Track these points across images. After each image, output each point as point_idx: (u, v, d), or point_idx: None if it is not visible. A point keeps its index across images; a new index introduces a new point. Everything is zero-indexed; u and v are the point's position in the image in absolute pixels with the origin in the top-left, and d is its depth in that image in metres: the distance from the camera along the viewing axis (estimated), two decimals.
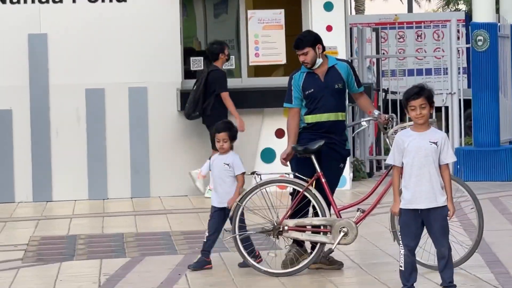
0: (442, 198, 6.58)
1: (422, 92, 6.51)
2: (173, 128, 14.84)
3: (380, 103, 18.15)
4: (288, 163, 8.68)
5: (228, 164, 8.21)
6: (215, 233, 7.98)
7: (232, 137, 7.96)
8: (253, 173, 8.72)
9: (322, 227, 8.55)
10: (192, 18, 16.26)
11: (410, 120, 7.03)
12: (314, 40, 8.69)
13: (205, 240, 8.06)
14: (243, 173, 8.36)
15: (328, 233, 8.53)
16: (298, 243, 8.52)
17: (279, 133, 14.67)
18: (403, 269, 6.65)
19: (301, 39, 8.84)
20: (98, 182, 14.98)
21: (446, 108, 17.03)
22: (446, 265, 6.75)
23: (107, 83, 14.61)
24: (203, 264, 8.10)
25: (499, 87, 16.44)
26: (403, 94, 6.93)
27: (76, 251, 10.12)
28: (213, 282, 8.07)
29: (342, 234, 8.38)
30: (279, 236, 8.40)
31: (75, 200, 14.57)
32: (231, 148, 8.16)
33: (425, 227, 6.63)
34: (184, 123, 14.83)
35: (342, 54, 14.85)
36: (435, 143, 6.55)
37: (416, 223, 6.70)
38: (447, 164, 6.58)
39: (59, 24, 14.74)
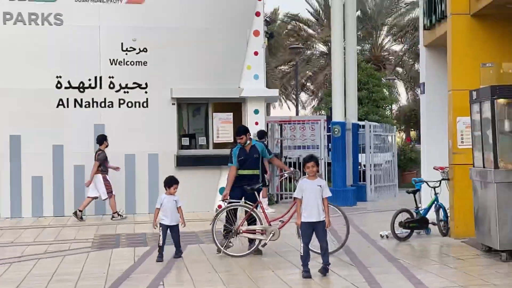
0: (323, 215, 10.05)
1: (312, 158, 10.36)
2: (171, 172, 15.73)
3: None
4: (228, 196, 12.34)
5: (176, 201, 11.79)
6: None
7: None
8: (223, 200, 13.02)
9: (260, 231, 12.00)
10: (181, 115, 20.14)
11: (304, 174, 10.58)
12: (245, 130, 12.72)
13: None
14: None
15: (264, 234, 11.91)
16: (249, 239, 12.19)
17: None
18: (302, 254, 10.06)
19: (239, 130, 12.87)
20: (130, 203, 18.97)
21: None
22: (325, 253, 10.11)
23: (137, 151, 19.13)
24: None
25: (346, 156, 21.78)
26: (302, 159, 10.61)
27: (120, 243, 13.81)
28: (197, 258, 11.74)
29: (271, 235, 11.82)
30: (237, 235, 12.15)
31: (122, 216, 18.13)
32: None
33: (314, 231, 10.08)
34: (177, 172, 17.64)
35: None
36: (320, 186, 10.09)
37: (309, 229, 10.06)
38: (326, 197, 10.18)
39: None
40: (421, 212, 13.96)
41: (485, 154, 11.42)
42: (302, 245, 10.13)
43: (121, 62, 19.41)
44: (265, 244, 11.98)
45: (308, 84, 53.26)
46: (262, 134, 15.78)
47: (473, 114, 11.96)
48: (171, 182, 11.64)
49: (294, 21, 52.58)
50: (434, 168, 14.67)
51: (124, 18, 19.36)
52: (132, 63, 19.48)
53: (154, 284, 9.94)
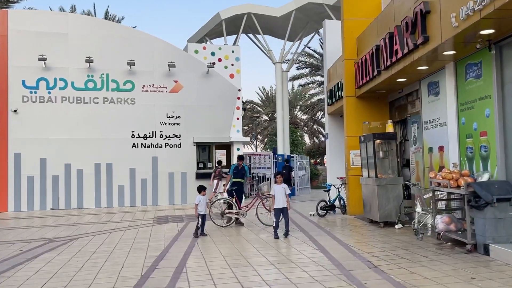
0: (286, 204, 9.68)
1: (280, 173, 10.17)
2: (193, 182, 18.15)
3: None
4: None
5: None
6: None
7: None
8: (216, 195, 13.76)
9: (235, 212, 11.62)
10: (198, 151, 19.26)
11: (276, 182, 9.82)
12: (242, 157, 12.73)
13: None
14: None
15: (238, 214, 11.55)
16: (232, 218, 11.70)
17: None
18: (274, 226, 9.69)
19: (240, 156, 12.75)
20: (171, 198, 18.72)
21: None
22: (287, 224, 9.71)
23: (175, 171, 18.75)
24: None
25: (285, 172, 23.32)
26: (274, 174, 11.51)
27: (168, 220, 13.50)
28: (210, 229, 11.55)
29: (241, 215, 11.54)
30: (223, 215, 11.65)
31: (164, 205, 18.34)
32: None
33: (281, 213, 9.69)
34: (197, 181, 17.45)
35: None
36: (284, 188, 9.74)
37: (279, 211, 9.68)
38: (287, 194, 9.77)
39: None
40: (331, 201, 13.46)
41: (369, 170, 11.00)
42: (274, 220, 9.82)
43: (167, 124, 19.12)
44: (241, 222, 11.63)
45: (258, 136, 53.12)
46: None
47: (362, 148, 11.56)
48: (201, 189, 10.69)
49: (250, 103, 52.44)
50: (337, 178, 14.39)
51: (167, 100, 19.10)
52: (172, 124, 19.17)
53: (192, 243, 9.42)
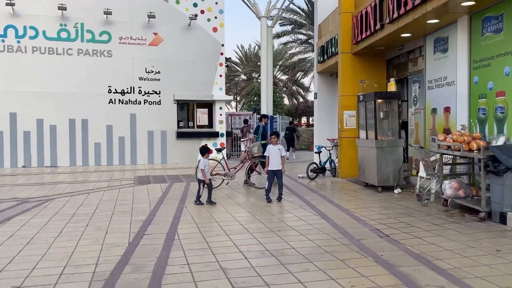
0: (281, 166, 8.97)
1: (275, 133, 9.30)
2: (173, 141, 17.95)
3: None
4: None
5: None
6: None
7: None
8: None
9: (225, 174, 10.93)
10: (178, 109, 18.36)
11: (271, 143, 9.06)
12: (265, 116, 12.48)
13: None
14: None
15: (228, 176, 10.85)
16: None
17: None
18: (266, 188, 8.98)
19: (262, 116, 12.44)
20: (151, 157, 17.89)
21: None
22: (280, 188, 9.06)
23: (154, 129, 17.90)
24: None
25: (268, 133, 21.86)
26: (270, 134, 9.32)
27: (150, 181, 12.76)
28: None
29: (230, 177, 10.86)
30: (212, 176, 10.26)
31: (144, 164, 17.58)
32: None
33: (275, 175, 8.97)
34: (177, 141, 18.05)
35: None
36: (279, 149, 8.99)
37: (272, 174, 8.96)
38: (283, 155, 9.02)
39: None
40: (322, 163, 12.94)
41: (368, 131, 10.41)
42: (267, 183, 9.13)
43: (146, 79, 18.16)
44: (228, 181, 11.04)
45: (236, 96, 52.10)
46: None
47: (360, 108, 10.92)
48: (205, 151, 8.92)
49: (228, 62, 51.17)
50: (327, 139, 13.83)
51: (147, 54, 18.10)
52: (151, 79, 18.20)
53: (180, 207, 8.75)
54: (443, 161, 8.20)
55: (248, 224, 7.08)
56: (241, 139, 16.07)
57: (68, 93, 17.16)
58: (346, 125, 12.34)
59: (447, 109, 9.26)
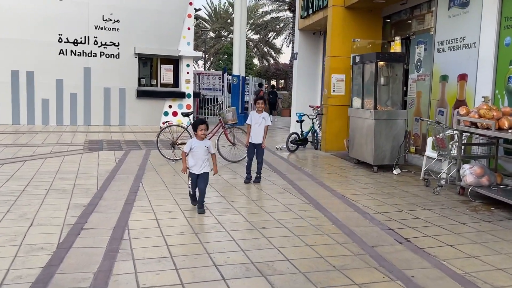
0: (262, 139, 7.18)
1: (261, 98, 7.43)
2: (133, 101, 16.21)
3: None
4: None
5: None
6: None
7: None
8: (164, 122, 11.47)
9: None
10: (140, 64, 16.51)
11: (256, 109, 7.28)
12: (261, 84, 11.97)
13: None
14: None
15: None
16: None
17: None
18: (247, 165, 7.32)
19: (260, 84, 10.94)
20: (107, 118, 16.06)
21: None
22: (259, 167, 7.31)
23: (112, 86, 16.00)
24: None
25: (239, 95, 18.15)
26: (254, 99, 7.57)
27: (103, 147, 10.91)
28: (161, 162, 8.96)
29: None
30: (174, 146, 9.00)
31: (98, 125, 15.82)
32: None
33: (255, 151, 7.25)
34: (137, 101, 16.32)
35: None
36: (263, 118, 7.17)
37: (253, 149, 7.27)
38: (267, 125, 7.21)
39: None
40: (304, 134, 11.36)
41: (365, 99, 8.77)
42: (247, 159, 7.52)
43: (102, 28, 16.09)
44: None
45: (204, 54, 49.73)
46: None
47: (355, 72, 9.29)
48: (197, 124, 5.73)
49: (197, 19, 48.42)
50: (310, 106, 12.37)
51: None
52: (109, 28, 16.16)
53: (136, 184, 7.09)
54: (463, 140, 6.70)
55: (223, 216, 5.48)
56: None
57: (10, 40, 14.98)
58: (334, 90, 10.76)
59: (462, 77, 7.75)
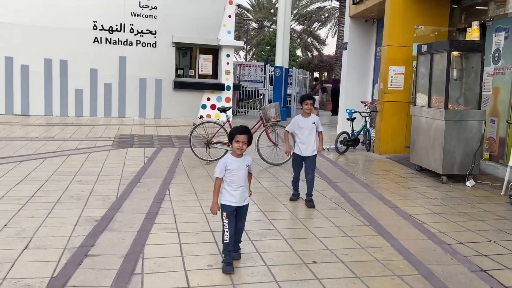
0: (315, 149, 5.73)
1: (308, 96, 5.76)
2: (170, 91, 15.33)
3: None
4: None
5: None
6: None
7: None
8: (200, 117, 10.65)
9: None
10: (178, 54, 15.78)
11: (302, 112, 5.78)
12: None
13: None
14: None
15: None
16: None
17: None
18: (293, 180, 5.85)
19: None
20: (142, 111, 15.28)
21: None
22: (310, 186, 5.63)
23: (148, 76, 15.08)
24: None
25: (282, 88, 17.39)
26: (300, 98, 5.84)
27: (134, 143, 10.03)
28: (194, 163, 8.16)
29: None
30: (209, 145, 8.06)
31: (133, 118, 15.02)
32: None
33: (304, 164, 5.77)
34: (174, 92, 15.46)
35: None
36: (313, 123, 5.68)
37: (301, 161, 5.77)
38: (321, 131, 5.79)
39: None
40: (355, 133, 10.16)
41: (433, 96, 7.46)
42: (294, 173, 5.96)
43: (139, 15, 15.18)
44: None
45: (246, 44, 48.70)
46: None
47: (421, 64, 7.98)
48: (232, 133, 3.80)
49: (238, 8, 47.37)
50: (361, 102, 11.03)
51: None
52: (146, 16, 15.23)
53: (162, 192, 6.09)
54: None
55: (262, 241, 4.39)
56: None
57: (43, 27, 14.25)
58: (391, 85, 9.47)
59: None
